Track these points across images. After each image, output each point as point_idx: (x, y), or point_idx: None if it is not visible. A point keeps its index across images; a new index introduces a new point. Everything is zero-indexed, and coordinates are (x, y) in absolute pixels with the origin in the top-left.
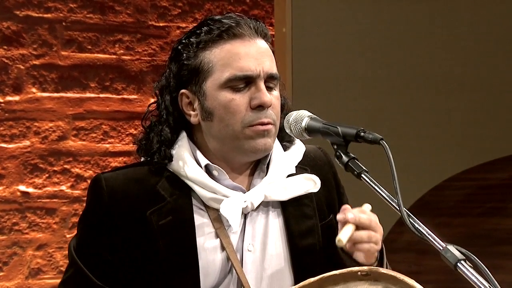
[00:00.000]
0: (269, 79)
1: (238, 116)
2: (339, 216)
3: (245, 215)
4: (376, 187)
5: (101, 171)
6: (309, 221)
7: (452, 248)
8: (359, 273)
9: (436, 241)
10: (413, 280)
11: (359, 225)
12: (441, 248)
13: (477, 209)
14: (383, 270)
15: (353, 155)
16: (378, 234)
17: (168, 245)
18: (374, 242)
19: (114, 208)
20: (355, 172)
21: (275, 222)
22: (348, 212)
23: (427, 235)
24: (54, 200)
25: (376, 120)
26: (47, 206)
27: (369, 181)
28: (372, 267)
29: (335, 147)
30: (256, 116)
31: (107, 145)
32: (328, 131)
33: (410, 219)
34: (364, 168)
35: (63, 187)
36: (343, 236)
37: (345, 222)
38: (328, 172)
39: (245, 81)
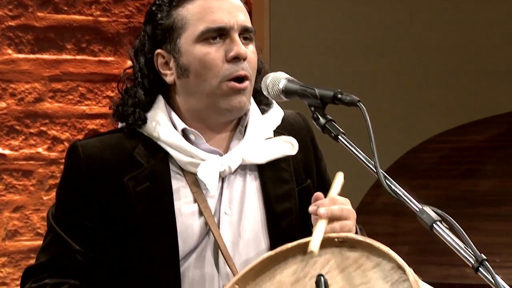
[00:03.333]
0: (244, 31)
1: (214, 70)
2: (311, 208)
3: (222, 179)
4: (353, 149)
5: (78, 133)
6: (286, 185)
7: (428, 209)
8: (336, 239)
9: (412, 202)
10: (388, 248)
11: (331, 218)
12: (417, 210)
13: (453, 171)
14: (360, 237)
15: (330, 117)
16: (350, 222)
17: (146, 211)
18: (347, 231)
19: (91, 175)
20: (332, 134)
21: (252, 185)
22: (320, 208)
23: (403, 196)
24: (31, 162)
25: (353, 84)
26: (23, 168)
27: (346, 143)
28: (349, 234)
29: (313, 109)
30: (233, 68)
31: (84, 107)
32: (305, 93)
33: (386, 181)
34: (341, 130)
35: (40, 149)
36: (315, 244)
37: (317, 214)
38: (306, 136)
39: (219, 33)
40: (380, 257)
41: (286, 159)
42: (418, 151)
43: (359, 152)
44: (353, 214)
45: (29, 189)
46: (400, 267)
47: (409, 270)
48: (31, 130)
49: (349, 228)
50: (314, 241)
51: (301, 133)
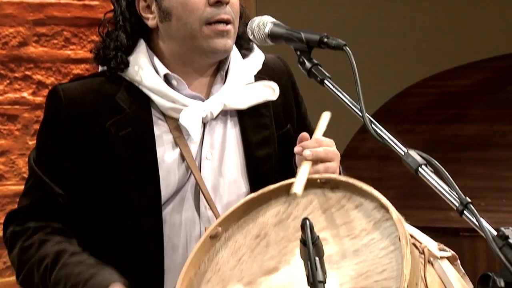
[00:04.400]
0: None
1: (196, 13)
2: (296, 149)
3: (204, 124)
4: (339, 93)
5: (63, 78)
6: (265, 131)
7: (413, 153)
8: (318, 180)
9: (397, 146)
10: (371, 188)
11: (316, 160)
12: (403, 153)
13: (439, 115)
14: (342, 178)
15: (316, 61)
16: (334, 164)
17: (128, 156)
18: (331, 172)
19: (72, 119)
20: (318, 78)
21: (232, 131)
22: (305, 149)
23: (389, 140)
24: (16, 106)
25: (339, 28)
26: (8, 113)
27: (332, 87)
28: (331, 175)
29: (298, 53)
30: (215, 12)
31: (69, 52)
32: (291, 37)
33: (372, 125)
34: (327, 74)
35: (25, 94)
36: (298, 186)
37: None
38: (287, 81)
39: None
40: (363, 197)
41: (266, 104)
42: (404, 96)
43: (345, 97)
44: (337, 156)
45: (15, 133)
46: (383, 206)
47: (392, 209)
48: (16, 75)
49: (333, 170)
50: (298, 183)
51: (282, 77)
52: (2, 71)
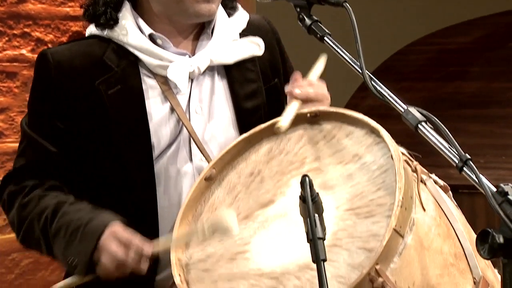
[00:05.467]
0: None
1: None
2: (287, 89)
3: (191, 80)
4: (339, 50)
5: (62, 35)
6: (253, 84)
7: (413, 110)
8: (308, 115)
9: (397, 103)
10: (360, 114)
11: (305, 99)
12: (402, 110)
13: (439, 73)
14: (331, 108)
15: (316, 18)
16: (324, 105)
17: (118, 112)
18: None
19: (61, 80)
20: (318, 35)
21: (220, 85)
22: (296, 88)
23: (388, 97)
24: (15, 64)
25: None
26: (7, 70)
27: (332, 44)
28: (320, 107)
29: (298, 9)
30: None
31: (68, 9)
32: None
33: (372, 82)
34: (327, 31)
35: (24, 51)
36: (285, 120)
37: (292, 95)
38: (271, 38)
39: None
40: (353, 125)
41: (252, 60)
42: (404, 54)
43: (344, 53)
44: (327, 98)
45: (14, 91)
46: (373, 130)
47: (383, 131)
48: (15, 32)
49: None
50: (284, 118)
51: (267, 35)
52: (1, 28)
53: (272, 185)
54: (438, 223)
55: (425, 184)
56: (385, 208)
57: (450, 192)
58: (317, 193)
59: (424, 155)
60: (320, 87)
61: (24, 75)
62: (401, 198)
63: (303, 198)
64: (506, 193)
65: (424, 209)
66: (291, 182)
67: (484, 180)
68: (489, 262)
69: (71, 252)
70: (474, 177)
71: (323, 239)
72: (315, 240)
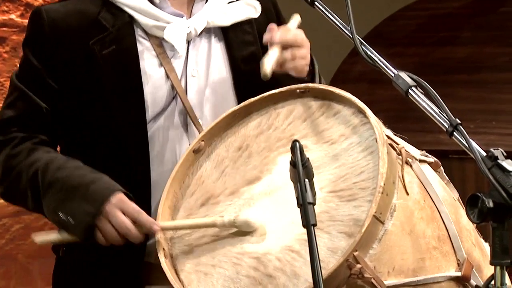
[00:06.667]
0: None
1: None
2: (265, 37)
3: (188, 42)
4: (329, 15)
5: (52, 0)
6: (250, 47)
7: (403, 74)
8: (297, 90)
9: (388, 68)
10: (349, 94)
11: (285, 45)
12: (393, 75)
13: (430, 38)
14: (321, 86)
15: None
16: (304, 50)
17: (112, 74)
18: (300, 57)
19: (55, 39)
20: (309, 0)
21: (217, 47)
22: (274, 33)
23: (379, 62)
24: (4, 29)
25: None
26: None
27: (322, 9)
28: (310, 84)
29: None
30: None
31: None
32: None
33: (362, 47)
34: None
35: (13, 16)
36: (267, 67)
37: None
38: (267, 1)
39: None
40: (341, 104)
41: (249, 22)
42: (395, 19)
43: (335, 18)
44: (306, 42)
45: (3, 56)
46: (361, 111)
47: (370, 113)
48: None
49: (301, 55)
50: (266, 64)
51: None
52: None
53: (259, 161)
54: (422, 206)
55: (411, 166)
56: (367, 193)
57: (441, 168)
58: (307, 158)
59: (414, 120)
60: (298, 33)
61: (14, 40)
62: (382, 184)
63: (293, 163)
64: (496, 158)
65: (407, 193)
66: (277, 159)
67: (474, 145)
68: (477, 240)
69: (68, 209)
70: (464, 142)
71: (314, 204)
72: (305, 205)
